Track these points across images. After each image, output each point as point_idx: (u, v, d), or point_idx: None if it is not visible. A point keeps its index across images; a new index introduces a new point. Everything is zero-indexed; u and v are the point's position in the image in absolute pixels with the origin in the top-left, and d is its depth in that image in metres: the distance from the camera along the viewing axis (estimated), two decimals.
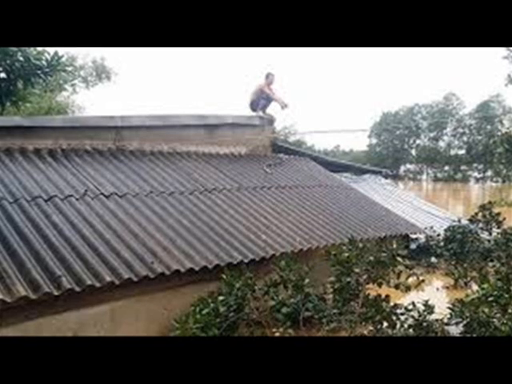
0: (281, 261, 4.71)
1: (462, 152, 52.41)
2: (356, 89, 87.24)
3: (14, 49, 4.19)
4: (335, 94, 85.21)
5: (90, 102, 21.70)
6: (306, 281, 4.58)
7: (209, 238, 4.95)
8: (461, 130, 52.22)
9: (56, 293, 3.49)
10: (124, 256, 4.11)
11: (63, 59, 4.53)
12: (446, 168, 53.34)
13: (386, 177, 12.93)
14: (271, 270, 4.80)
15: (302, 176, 8.25)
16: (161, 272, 4.11)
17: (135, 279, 3.94)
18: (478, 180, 50.88)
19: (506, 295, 3.80)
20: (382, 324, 4.05)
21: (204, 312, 4.08)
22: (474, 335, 3.76)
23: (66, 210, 4.49)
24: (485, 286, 4.00)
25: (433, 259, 7.80)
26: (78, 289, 3.59)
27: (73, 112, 19.38)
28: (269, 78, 8.84)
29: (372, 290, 4.22)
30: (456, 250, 7.66)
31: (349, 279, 4.26)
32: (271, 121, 8.95)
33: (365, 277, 4.18)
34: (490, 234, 8.02)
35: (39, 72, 4.37)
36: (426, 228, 8.45)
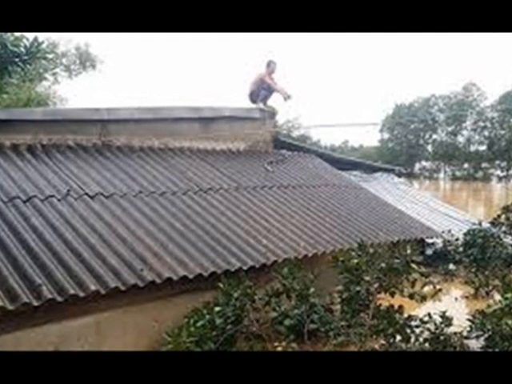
0: (283, 268, 4.72)
1: (483, 148, 52.54)
2: (367, 78, 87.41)
3: None
4: (343, 84, 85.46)
5: (73, 93, 21.84)
6: (311, 290, 4.58)
7: (204, 242, 4.96)
8: (482, 124, 52.31)
9: (36, 303, 3.49)
10: (110, 263, 4.11)
11: (43, 46, 4.54)
12: (466, 165, 53.44)
13: (399, 175, 12.95)
14: (273, 278, 4.81)
15: (307, 174, 8.25)
16: (151, 280, 4.12)
17: (123, 288, 3.95)
18: (500, 179, 50.96)
19: None
20: (394, 337, 4.05)
21: (199, 324, 4.08)
22: (497, 350, 3.77)
23: (47, 212, 4.50)
24: (508, 295, 4.00)
25: (451, 266, 7.80)
26: (59, 299, 3.60)
27: (54, 104, 19.42)
28: (270, 66, 8.84)
29: (384, 300, 4.23)
30: (476, 256, 7.65)
31: (358, 288, 4.26)
32: (273, 113, 8.96)
33: (376, 285, 4.18)
34: None
35: (17, 60, 4.38)
36: (443, 232, 8.45)
